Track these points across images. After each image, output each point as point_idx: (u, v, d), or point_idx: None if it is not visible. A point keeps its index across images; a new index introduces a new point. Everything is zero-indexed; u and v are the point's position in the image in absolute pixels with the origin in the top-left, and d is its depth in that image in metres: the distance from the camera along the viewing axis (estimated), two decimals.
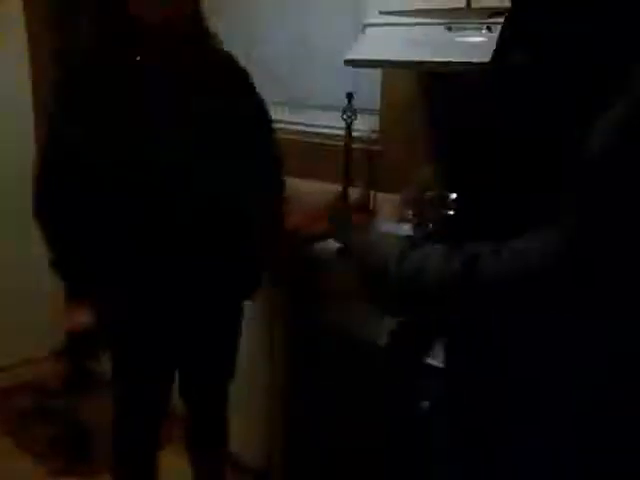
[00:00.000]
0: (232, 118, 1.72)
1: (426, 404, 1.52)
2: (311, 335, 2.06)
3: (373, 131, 2.57)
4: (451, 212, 1.54)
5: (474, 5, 1.79)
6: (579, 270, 0.76)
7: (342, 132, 2.51)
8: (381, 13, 2.01)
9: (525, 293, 0.79)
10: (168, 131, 1.62)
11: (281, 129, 1.99)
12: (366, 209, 2.48)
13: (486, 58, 1.73)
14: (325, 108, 2.70)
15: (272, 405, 2.29)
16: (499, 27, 1.69)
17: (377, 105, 2.53)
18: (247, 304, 1.96)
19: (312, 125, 2.77)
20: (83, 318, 1.67)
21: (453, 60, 1.77)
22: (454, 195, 1.35)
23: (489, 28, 1.77)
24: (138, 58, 1.62)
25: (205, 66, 1.71)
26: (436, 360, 1.59)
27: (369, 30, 2.07)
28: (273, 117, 1.93)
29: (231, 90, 1.76)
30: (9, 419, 2.87)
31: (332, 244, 2.06)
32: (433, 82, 2.28)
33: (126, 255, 1.67)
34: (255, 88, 1.84)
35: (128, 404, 1.86)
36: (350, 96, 2.45)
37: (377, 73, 2.43)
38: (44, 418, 2.78)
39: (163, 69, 1.64)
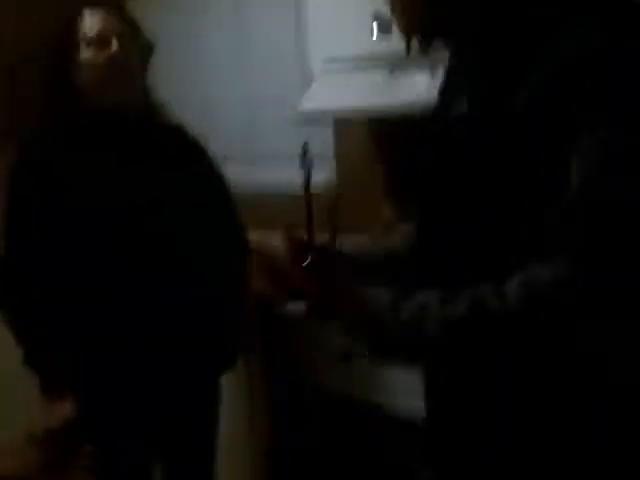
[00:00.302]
0: (187, 189, 1.72)
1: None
2: (291, 398, 2.06)
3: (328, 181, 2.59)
4: None
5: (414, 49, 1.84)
6: (594, 295, 0.79)
7: (299, 181, 2.53)
8: (325, 62, 2.06)
9: (543, 326, 0.81)
10: (126, 211, 1.62)
11: (239, 184, 2.00)
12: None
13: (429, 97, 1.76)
14: (279, 159, 2.72)
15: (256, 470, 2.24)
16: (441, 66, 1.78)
17: (331, 152, 2.56)
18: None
19: (269, 178, 2.79)
20: (62, 412, 1.63)
21: (396, 103, 1.81)
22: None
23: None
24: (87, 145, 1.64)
25: (155, 142, 1.71)
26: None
27: (318, 78, 2.11)
28: (227, 173, 1.91)
29: (182, 162, 1.75)
30: None
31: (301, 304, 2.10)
32: (384, 125, 2.33)
33: (99, 344, 1.64)
34: (207, 156, 1.83)
35: None
36: (306, 146, 2.47)
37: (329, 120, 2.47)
38: None
39: (114, 152, 1.64)
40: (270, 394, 2.16)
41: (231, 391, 2.07)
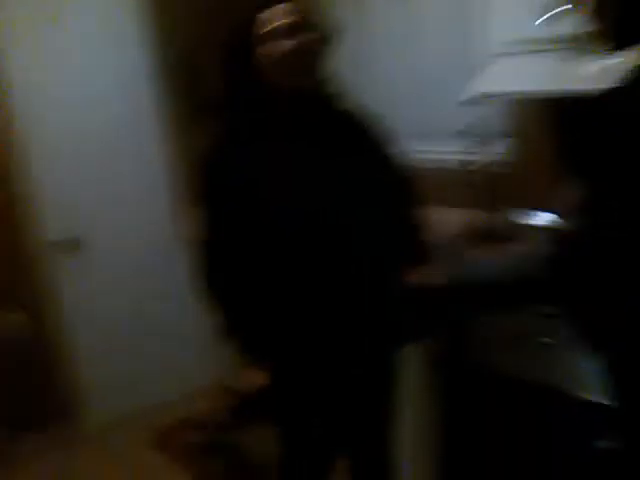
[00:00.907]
0: (369, 173, 1.77)
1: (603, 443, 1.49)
2: (474, 379, 2.05)
3: (501, 155, 2.61)
4: None
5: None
6: None
7: (469, 158, 2.57)
8: (503, 44, 2.06)
9: None
10: (323, 195, 1.68)
11: (411, 159, 2.05)
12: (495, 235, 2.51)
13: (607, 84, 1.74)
14: (451, 136, 2.77)
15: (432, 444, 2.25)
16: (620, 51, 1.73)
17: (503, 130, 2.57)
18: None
19: (440, 152, 2.85)
20: (258, 379, 1.76)
21: (577, 88, 1.79)
22: None
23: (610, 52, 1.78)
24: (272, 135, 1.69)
25: (334, 128, 1.76)
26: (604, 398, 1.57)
27: (495, 62, 2.11)
28: (402, 148, 1.93)
29: (361, 148, 1.81)
30: (183, 454, 3.08)
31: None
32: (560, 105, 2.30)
33: (298, 318, 1.73)
34: (382, 141, 1.87)
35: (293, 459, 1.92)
36: (474, 126, 2.52)
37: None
38: (217, 452, 2.95)
39: (298, 139, 1.70)
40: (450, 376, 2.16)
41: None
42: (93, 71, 3.22)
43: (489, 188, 2.59)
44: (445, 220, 2.66)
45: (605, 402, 1.57)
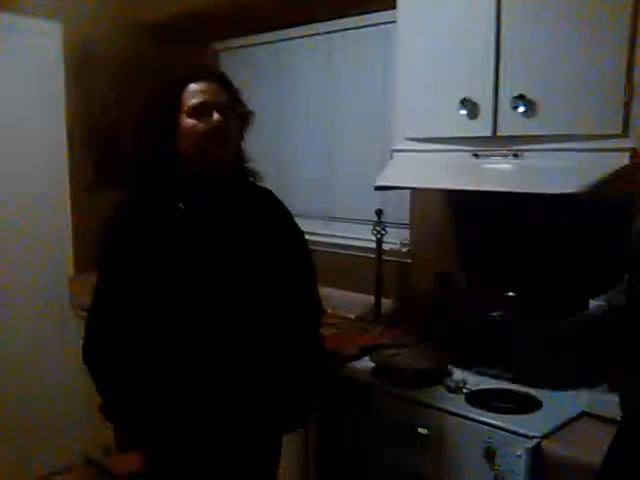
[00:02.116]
0: (275, 246, 1.76)
1: None
2: (348, 466, 2.04)
3: (403, 244, 2.63)
4: None
5: (500, 133, 1.87)
6: None
7: (373, 245, 2.58)
8: (407, 139, 2.10)
9: None
10: (216, 266, 1.68)
11: (316, 242, 2.04)
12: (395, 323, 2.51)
13: (513, 186, 1.80)
14: (356, 223, 2.78)
15: None
16: (525, 154, 1.80)
17: (405, 220, 2.60)
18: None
19: (344, 237, 2.85)
20: (132, 463, 1.66)
21: (482, 189, 1.82)
22: None
23: (516, 155, 1.83)
24: (181, 206, 1.70)
25: (247, 201, 1.77)
26: None
27: (396, 155, 2.15)
28: (309, 230, 1.93)
29: (272, 223, 1.81)
30: None
31: (367, 363, 2.11)
32: (460, 199, 2.35)
33: (174, 397, 1.68)
34: (290, 219, 1.88)
35: None
36: (380, 212, 2.54)
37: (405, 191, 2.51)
38: None
39: (206, 210, 1.71)
40: (324, 461, 2.16)
41: (289, 453, 2.06)
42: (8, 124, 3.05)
43: (393, 274, 2.60)
44: (340, 301, 2.66)
45: None
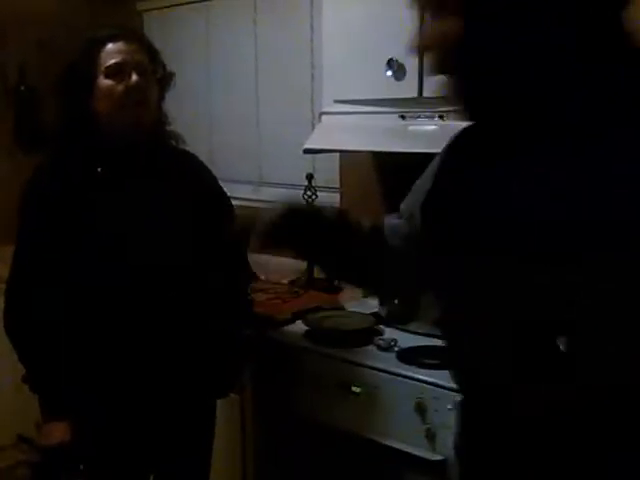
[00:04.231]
0: (199, 212, 1.75)
1: None
2: (284, 427, 2.06)
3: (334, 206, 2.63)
4: None
5: (426, 94, 1.88)
6: None
7: None
8: (336, 102, 2.09)
9: None
10: (140, 229, 1.66)
11: (247, 207, 2.03)
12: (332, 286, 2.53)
13: (439, 148, 1.81)
14: (287, 187, 2.76)
15: None
16: (450, 116, 1.81)
17: (336, 184, 2.61)
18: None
19: (274, 203, 2.82)
20: (59, 433, 1.63)
21: (408, 150, 1.84)
22: None
23: (441, 117, 1.85)
24: (99, 170, 1.66)
25: (167, 164, 1.74)
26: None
27: (325, 118, 2.14)
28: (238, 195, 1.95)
29: (194, 187, 1.79)
30: None
31: (299, 327, 2.13)
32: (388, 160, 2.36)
33: (100, 366, 1.67)
34: (212, 181, 1.88)
35: None
36: (310, 176, 2.53)
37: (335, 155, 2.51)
38: None
39: (125, 174, 1.68)
40: (262, 424, 2.18)
41: (223, 417, 2.08)
42: None
43: None
44: (274, 267, 2.65)
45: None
